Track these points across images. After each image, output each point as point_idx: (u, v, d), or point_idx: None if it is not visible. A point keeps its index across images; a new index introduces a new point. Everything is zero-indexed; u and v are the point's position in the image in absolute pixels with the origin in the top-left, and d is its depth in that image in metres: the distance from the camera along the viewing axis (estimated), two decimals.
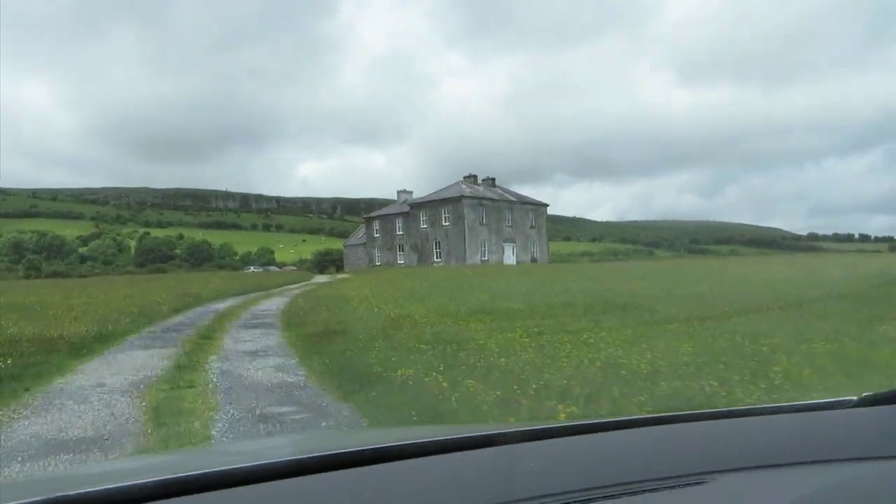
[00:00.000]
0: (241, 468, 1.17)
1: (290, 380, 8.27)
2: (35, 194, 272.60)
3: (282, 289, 34.97)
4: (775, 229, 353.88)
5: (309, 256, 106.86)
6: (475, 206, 63.58)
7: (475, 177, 69.30)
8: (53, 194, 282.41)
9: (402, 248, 69.08)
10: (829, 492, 1.19)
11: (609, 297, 17.48)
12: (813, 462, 1.34)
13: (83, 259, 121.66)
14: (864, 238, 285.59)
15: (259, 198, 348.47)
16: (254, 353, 10.63)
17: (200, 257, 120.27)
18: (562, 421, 2.03)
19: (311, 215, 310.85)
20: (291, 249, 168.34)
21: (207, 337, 13.00)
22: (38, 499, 0.97)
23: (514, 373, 7.08)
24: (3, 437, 5.62)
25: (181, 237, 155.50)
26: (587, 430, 1.48)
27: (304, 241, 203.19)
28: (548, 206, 73.64)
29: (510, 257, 65.70)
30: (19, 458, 4.99)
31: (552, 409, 5.16)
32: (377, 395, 6.54)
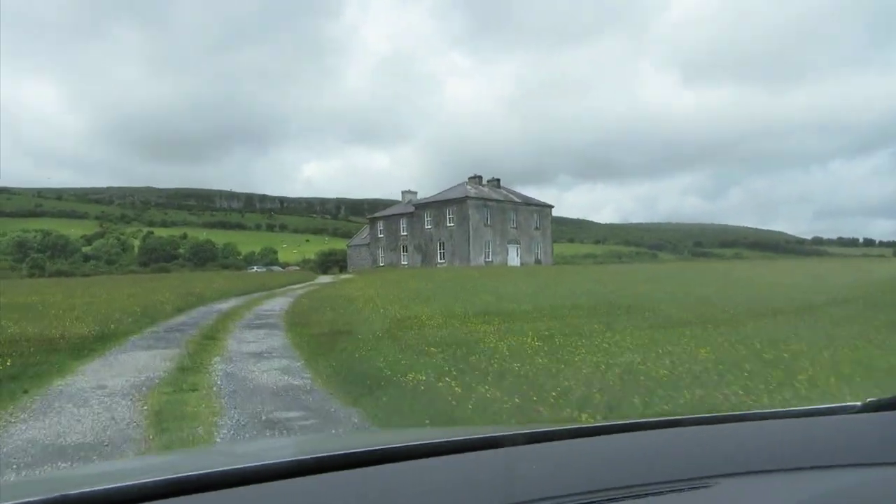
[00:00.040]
0: (244, 468, 1.16)
1: (296, 383, 8.04)
2: (40, 193, 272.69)
3: (285, 289, 34.76)
4: (779, 233, 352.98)
5: (312, 257, 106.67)
6: (480, 206, 63.33)
7: (480, 177, 69.06)
8: (58, 194, 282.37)
9: (405, 249, 68.86)
10: (832, 497, 1.18)
11: (617, 300, 17.22)
12: (816, 467, 1.33)
13: (87, 258, 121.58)
14: (869, 242, 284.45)
15: (263, 198, 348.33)
16: (258, 355, 10.41)
17: (204, 257, 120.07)
18: (565, 424, 2.04)
19: (314, 215, 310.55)
20: (295, 249, 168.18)
21: (211, 337, 12.78)
22: (40, 498, 0.97)
23: (529, 378, 6.85)
24: None
25: (185, 237, 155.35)
26: (590, 433, 1.48)
27: (307, 241, 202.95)
28: (552, 207, 73.35)
29: (514, 259, 65.43)
30: (14, 466, 4.77)
31: (573, 419, 4.92)
32: (388, 401, 6.30)
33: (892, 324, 10.83)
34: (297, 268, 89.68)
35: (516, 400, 5.63)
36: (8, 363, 8.44)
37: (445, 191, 68.02)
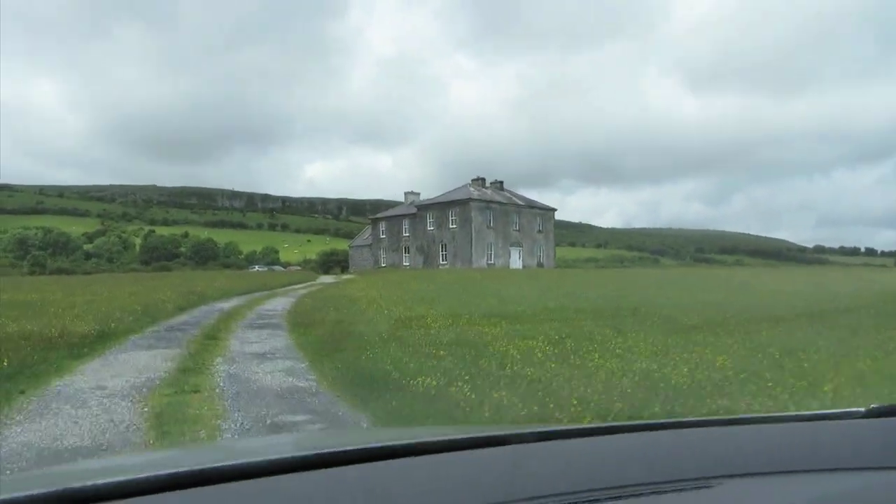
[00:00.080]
0: (246, 463, 1.16)
1: (301, 385, 7.81)
2: (42, 191, 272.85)
3: (287, 288, 34.54)
4: (781, 240, 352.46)
5: (314, 257, 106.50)
6: (483, 209, 63.13)
7: (483, 180, 68.86)
8: (60, 191, 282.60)
9: (407, 250, 68.67)
10: (834, 500, 1.18)
11: (623, 304, 16.99)
12: (819, 470, 1.34)
13: (88, 256, 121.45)
14: (871, 252, 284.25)
15: (265, 197, 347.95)
16: (261, 356, 10.18)
17: (205, 256, 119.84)
18: (569, 423, 2.07)
19: (316, 216, 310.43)
20: (296, 249, 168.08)
21: (213, 337, 12.55)
22: (43, 491, 0.96)
23: (543, 383, 6.63)
24: None
25: (186, 235, 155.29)
26: (595, 433, 1.49)
27: (308, 241, 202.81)
28: (556, 210, 73.16)
29: (516, 261, 65.20)
30: (8, 471, 4.54)
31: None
32: (398, 406, 6.05)
33: None
34: (299, 267, 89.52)
35: (535, 408, 5.40)
36: (5, 363, 8.20)
37: (448, 192, 67.82)
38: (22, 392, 7.17)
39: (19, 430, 5.61)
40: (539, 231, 69.06)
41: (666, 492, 1.19)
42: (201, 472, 1.09)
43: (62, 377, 8.17)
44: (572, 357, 8.35)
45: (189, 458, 1.69)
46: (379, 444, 1.31)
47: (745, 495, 1.23)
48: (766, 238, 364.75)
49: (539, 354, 8.43)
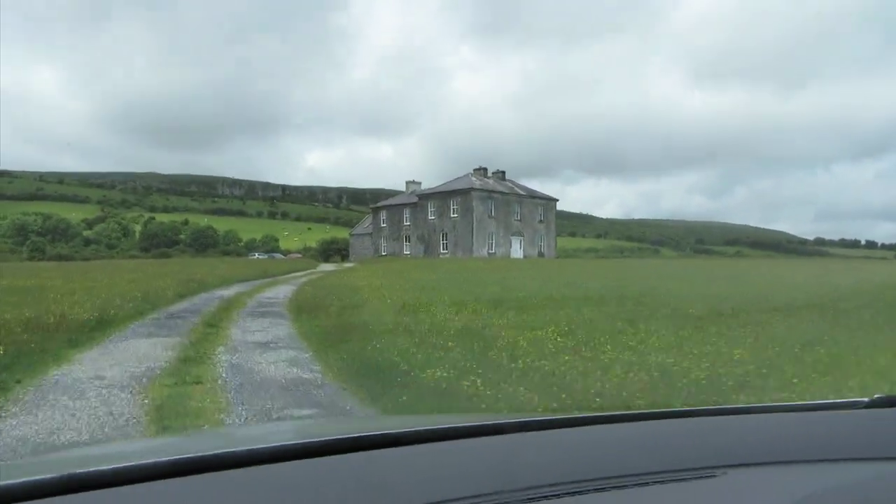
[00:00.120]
0: (248, 450, 1.15)
1: (306, 376, 7.58)
2: (42, 177, 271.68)
3: (288, 276, 34.32)
4: (781, 232, 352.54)
5: (314, 245, 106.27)
6: (484, 198, 62.79)
7: (485, 169, 68.46)
8: (60, 178, 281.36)
9: (408, 239, 68.39)
10: (838, 490, 1.18)
11: (630, 295, 16.74)
12: (823, 460, 1.33)
13: (88, 242, 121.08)
14: (871, 244, 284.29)
15: (265, 185, 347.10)
16: (264, 345, 9.95)
17: (205, 243, 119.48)
18: (573, 412, 2.07)
19: (316, 204, 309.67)
20: (296, 237, 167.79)
21: (214, 325, 12.32)
22: (48, 476, 0.97)
23: (557, 377, 6.41)
24: None
25: (186, 223, 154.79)
26: (597, 422, 1.48)
27: (309, 229, 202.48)
28: (557, 201, 72.77)
29: (517, 251, 64.94)
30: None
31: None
32: (409, 400, 5.81)
33: None
34: (299, 255, 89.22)
35: (553, 403, 5.17)
36: (1, 351, 7.96)
37: (450, 182, 67.43)
38: (18, 382, 6.93)
39: (14, 424, 5.37)
40: (540, 221, 68.73)
41: (669, 481, 1.18)
42: (204, 458, 1.09)
43: (60, 366, 7.94)
44: (584, 349, 8.13)
45: (190, 445, 1.68)
46: (378, 433, 1.30)
47: (750, 485, 1.22)
48: (766, 230, 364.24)
49: (550, 346, 8.20)
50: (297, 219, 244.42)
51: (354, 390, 6.73)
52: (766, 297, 16.71)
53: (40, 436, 5.02)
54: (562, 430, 1.42)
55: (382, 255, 68.95)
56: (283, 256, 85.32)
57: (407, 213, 68.63)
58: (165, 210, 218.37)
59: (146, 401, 6.23)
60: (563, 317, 11.60)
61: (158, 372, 7.65)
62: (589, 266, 42.17)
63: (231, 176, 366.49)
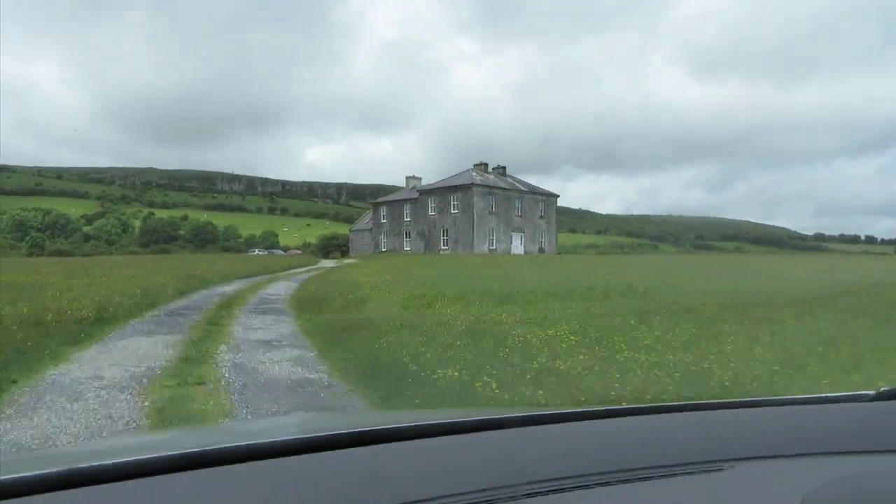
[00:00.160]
0: (250, 444, 1.15)
1: (312, 376, 7.33)
2: (40, 172, 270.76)
3: (288, 272, 34.08)
4: (781, 228, 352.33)
5: (313, 241, 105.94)
6: (485, 194, 62.51)
7: (486, 165, 68.16)
8: (59, 173, 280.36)
9: (408, 235, 68.13)
10: (845, 483, 1.17)
11: (636, 292, 16.50)
12: (829, 453, 1.33)
13: (87, 238, 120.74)
14: (871, 240, 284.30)
15: (265, 181, 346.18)
16: (267, 343, 9.70)
17: (204, 239, 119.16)
18: (578, 406, 1.97)
19: (316, 200, 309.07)
20: (296, 233, 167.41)
21: (215, 323, 12.07)
22: (50, 471, 0.97)
23: (574, 378, 6.16)
24: None
25: (186, 218, 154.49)
26: (603, 416, 1.47)
27: (308, 225, 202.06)
28: (558, 196, 72.49)
29: (518, 247, 64.69)
30: None
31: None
32: (423, 403, 5.56)
33: None
34: (300, 251, 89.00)
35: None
36: None
37: (450, 177, 67.13)
38: (14, 382, 6.68)
39: (9, 427, 5.11)
40: (541, 217, 68.46)
41: (676, 475, 1.18)
42: (205, 453, 1.08)
43: (58, 365, 7.69)
44: (597, 347, 7.89)
45: (193, 439, 1.66)
46: (380, 427, 1.29)
47: (755, 479, 1.21)
48: (766, 225, 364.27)
49: (563, 344, 7.96)
50: (297, 215, 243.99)
51: (363, 392, 6.47)
52: (773, 293, 16.47)
53: (36, 441, 4.76)
54: (566, 425, 1.42)
55: (383, 251, 68.71)
56: (283, 252, 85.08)
57: (407, 209, 68.35)
58: (164, 205, 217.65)
59: (146, 403, 5.98)
60: (571, 313, 11.37)
61: (159, 372, 7.40)
62: (590, 262, 41.91)
63: (230, 171, 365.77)
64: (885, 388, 1.57)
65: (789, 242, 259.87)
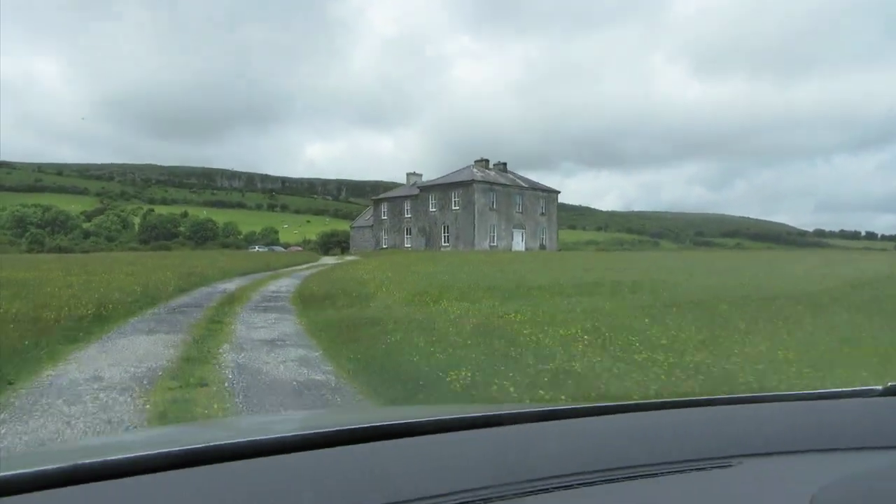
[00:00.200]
0: (252, 441, 1.15)
1: (318, 378, 7.09)
2: (40, 169, 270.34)
3: (289, 269, 33.84)
4: (781, 224, 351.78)
5: (313, 237, 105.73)
6: (486, 190, 62.23)
7: (486, 161, 67.86)
8: (59, 169, 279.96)
9: (409, 232, 67.88)
10: (854, 479, 1.17)
11: (643, 287, 16.26)
12: (838, 449, 1.32)
13: (87, 234, 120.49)
14: (871, 236, 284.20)
15: (265, 178, 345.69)
16: (271, 343, 9.46)
17: (204, 235, 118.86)
18: (586, 402, 1.80)
19: (316, 196, 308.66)
20: (296, 230, 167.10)
21: (217, 321, 11.82)
22: (53, 467, 0.98)
23: (591, 380, 5.93)
24: None
25: (186, 215, 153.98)
26: (612, 412, 1.47)
27: (308, 221, 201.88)
28: (559, 193, 72.22)
29: (519, 243, 64.45)
30: None
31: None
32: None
33: None
34: (300, 248, 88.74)
35: None
36: None
37: (451, 174, 66.84)
38: (10, 383, 6.44)
39: (3, 432, 4.88)
40: (542, 213, 68.20)
41: (684, 471, 1.16)
42: (207, 450, 1.08)
43: (55, 365, 7.45)
44: (612, 347, 7.66)
45: (193, 435, 1.65)
46: (382, 424, 1.28)
47: (764, 475, 1.19)
48: (766, 221, 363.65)
49: (578, 345, 7.72)
50: (297, 211, 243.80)
51: (371, 394, 6.23)
52: (779, 289, 16.22)
53: (31, 447, 4.53)
54: (572, 421, 1.41)
55: (383, 248, 68.46)
56: (283, 249, 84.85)
57: (408, 206, 68.09)
58: (164, 202, 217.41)
59: (147, 405, 5.74)
60: (580, 311, 11.12)
61: (160, 373, 7.16)
62: (592, 259, 41.64)
63: (230, 168, 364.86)
64: (894, 383, 1.55)
65: (789, 238, 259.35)
